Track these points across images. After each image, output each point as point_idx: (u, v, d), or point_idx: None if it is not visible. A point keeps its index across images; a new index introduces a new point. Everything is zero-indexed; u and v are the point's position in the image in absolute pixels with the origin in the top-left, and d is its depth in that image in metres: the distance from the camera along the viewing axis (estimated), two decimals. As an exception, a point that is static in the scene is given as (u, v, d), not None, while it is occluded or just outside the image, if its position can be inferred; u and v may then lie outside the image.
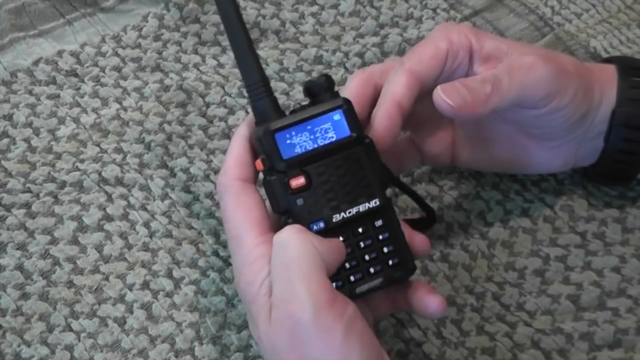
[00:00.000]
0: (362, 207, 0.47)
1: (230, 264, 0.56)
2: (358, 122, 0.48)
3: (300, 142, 0.47)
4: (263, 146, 0.47)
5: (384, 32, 0.69)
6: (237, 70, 0.64)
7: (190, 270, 0.56)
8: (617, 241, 0.58)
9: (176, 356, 0.53)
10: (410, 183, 0.61)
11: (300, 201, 0.46)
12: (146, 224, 0.58)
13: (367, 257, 0.48)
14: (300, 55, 0.67)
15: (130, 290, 0.55)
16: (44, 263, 0.56)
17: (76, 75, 0.65)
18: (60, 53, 0.66)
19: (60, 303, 0.54)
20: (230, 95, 0.64)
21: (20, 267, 0.56)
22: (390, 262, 0.48)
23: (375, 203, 0.47)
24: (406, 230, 0.49)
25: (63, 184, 0.59)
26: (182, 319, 0.54)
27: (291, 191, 0.46)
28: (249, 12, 0.69)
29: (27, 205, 0.58)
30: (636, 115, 0.55)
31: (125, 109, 0.63)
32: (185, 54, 0.66)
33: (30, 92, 0.64)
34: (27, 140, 0.61)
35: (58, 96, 0.64)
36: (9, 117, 0.62)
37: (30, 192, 0.59)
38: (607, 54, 0.67)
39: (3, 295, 0.55)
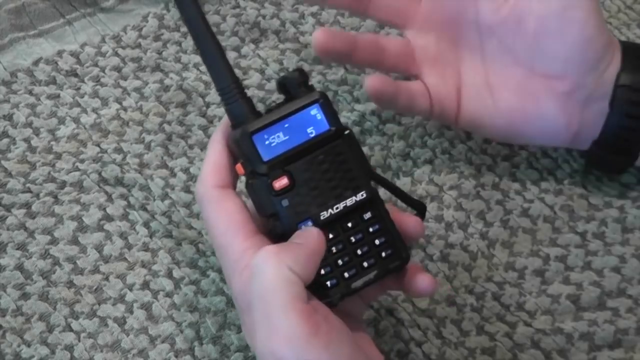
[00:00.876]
0: (349, 201, 0.47)
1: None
2: (335, 114, 0.47)
3: (279, 141, 0.46)
4: (242, 150, 0.46)
5: (384, 32, 0.69)
6: (237, 70, 0.64)
7: (190, 270, 0.56)
8: (617, 241, 0.58)
9: (176, 356, 0.53)
10: (410, 183, 0.61)
11: (285, 202, 0.46)
12: (146, 224, 0.58)
13: (359, 252, 0.47)
14: (300, 55, 0.67)
15: (130, 290, 0.55)
16: (44, 263, 0.56)
17: (76, 75, 0.65)
18: (60, 53, 0.66)
19: (60, 303, 0.54)
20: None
21: (20, 267, 0.56)
22: (384, 254, 0.47)
23: (362, 196, 0.47)
24: (396, 215, 0.49)
25: (63, 184, 0.59)
26: (182, 319, 0.54)
27: (275, 193, 0.45)
28: (249, 12, 0.69)
29: (27, 205, 0.58)
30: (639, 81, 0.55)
31: (125, 109, 0.63)
32: (185, 54, 0.66)
33: (30, 92, 0.64)
34: (27, 140, 0.61)
35: (58, 96, 0.64)
36: (9, 117, 0.62)
37: (30, 192, 0.59)
38: (607, 53, 0.67)
39: (3, 295, 0.55)
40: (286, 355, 0.40)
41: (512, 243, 0.58)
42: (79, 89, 0.64)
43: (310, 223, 0.46)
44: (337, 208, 0.46)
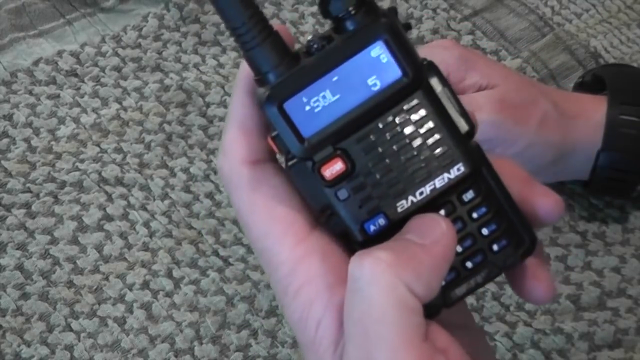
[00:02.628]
0: (438, 182, 0.32)
1: (230, 264, 0.56)
2: (411, 51, 0.32)
3: (326, 104, 0.31)
4: (271, 122, 0.32)
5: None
6: (237, 70, 0.64)
7: (190, 270, 0.56)
8: (617, 241, 0.58)
9: (176, 356, 0.53)
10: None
11: (343, 194, 0.32)
12: (146, 224, 0.58)
13: (459, 249, 0.33)
14: (300, 55, 0.67)
15: (130, 290, 0.55)
16: (44, 263, 0.56)
17: (76, 75, 0.65)
18: (60, 53, 0.66)
19: (60, 303, 0.54)
20: (230, 95, 0.64)
21: (20, 267, 0.56)
22: (496, 247, 0.33)
23: (459, 170, 0.32)
24: (517, 185, 0.34)
25: (63, 184, 0.59)
26: (181, 318, 0.54)
27: (326, 183, 0.32)
28: (249, 12, 0.69)
29: (27, 205, 0.58)
30: (620, 159, 0.55)
31: (125, 109, 0.63)
32: (185, 54, 0.66)
33: (30, 92, 0.64)
34: (27, 140, 0.61)
35: (58, 96, 0.64)
36: (9, 117, 0.62)
37: (30, 192, 0.59)
38: (607, 53, 0.67)
39: (3, 295, 0.55)
40: None
41: (512, 243, 0.58)
42: (79, 89, 0.64)
43: (382, 220, 0.32)
44: (422, 194, 0.32)
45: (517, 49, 0.68)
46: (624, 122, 0.55)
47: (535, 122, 0.53)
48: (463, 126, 0.32)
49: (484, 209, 0.33)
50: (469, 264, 0.33)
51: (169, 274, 0.56)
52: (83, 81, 0.65)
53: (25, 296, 0.55)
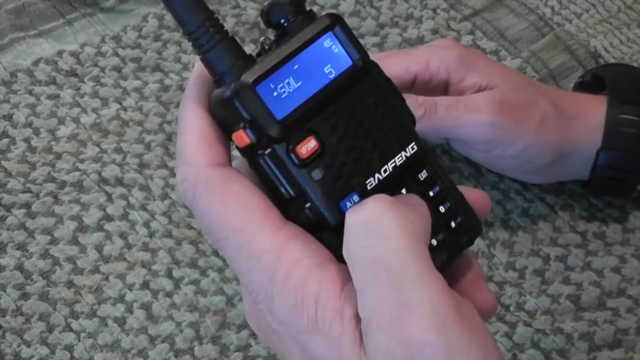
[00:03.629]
0: (398, 159, 0.35)
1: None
2: (357, 41, 0.35)
3: (291, 90, 0.33)
4: (241, 110, 0.33)
5: (384, 32, 0.69)
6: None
7: (190, 270, 0.56)
8: (617, 241, 0.58)
9: (176, 356, 0.53)
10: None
11: (317, 174, 0.33)
12: (146, 224, 0.58)
13: None
14: (300, 55, 0.67)
15: (130, 290, 0.55)
16: (44, 263, 0.56)
17: (76, 75, 0.65)
18: (60, 53, 0.66)
19: (60, 303, 0.54)
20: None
21: (20, 267, 0.56)
22: (453, 224, 0.36)
23: (413, 149, 0.35)
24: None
25: (63, 184, 0.59)
26: (181, 318, 0.54)
27: (301, 162, 0.33)
28: (249, 12, 0.69)
29: (27, 205, 0.58)
30: (620, 158, 0.55)
31: (125, 109, 0.63)
32: (185, 54, 0.66)
33: (30, 92, 0.64)
34: (27, 140, 0.61)
35: (58, 96, 0.64)
36: (9, 117, 0.62)
37: (30, 192, 0.59)
38: (607, 53, 0.67)
39: (3, 295, 0.55)
40: (431, 340, 0.29)
41: (513, 243, 0.58)
42: (79, 89, 0.64)
43: (356, 197, 0.34)
44: (385, 171, 0.34)
45: (517, 49, 0.68)
46: (624, 121, 0.55)
47: (535, 123, 0.53)
48: (407, 114, 0.36)
49: (438, 188, 0.36)
50: (433, 242, 0.35)
51: (169, 274, 0.56)
52: (83, 81, 0.65)
53: (25, 296, 0.55)
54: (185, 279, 0.56)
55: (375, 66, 0.35)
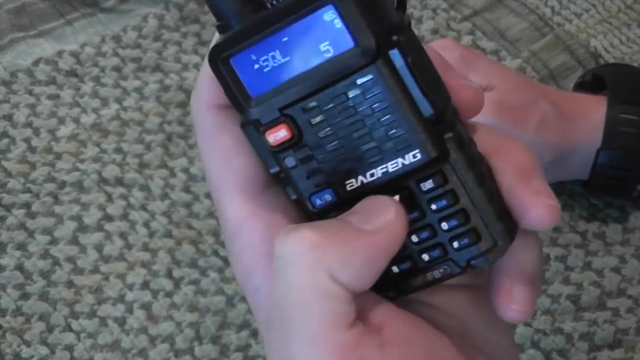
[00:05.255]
0: (392, 166, 0.29)
1: (230, 264, 0.56)
2: (371, 19, 0.28)
3: (276, 66, 0.29)
4: (218, 78, 0.30)
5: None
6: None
7: (190, 270, 0.56)
8: (617, 241, 0.58)
9: (176, 356, 0.53)
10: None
11: (290, 161, 0.30)
12: (146, 224, 0.58)
13: (415, 239, 0.30)
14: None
15: (130, 290, 0.55)
16: (44, 263, 0.56)
17: (76, 75, 0.65)
18: (60, 53, 0.66)
19: (60, 303, 0.54)
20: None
21: (20, 267, 0.56)
22: (456, 244, 0.30)
23: (415, 157, 0.29)
24: (511, 180, 0.30)
25: (63, 184, 0.59)
26: (181, 318, 0.54)
27: (272, 149, 0.29)
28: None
29: (27, 205, 0.58)
30: (620, 158, 0.55)
31: (125, 109, 0.63)
32: (185, 54, 0.66)
33: (30, 92, 0.64)
34: (27, 140, 0.61)
35: (58, 96, 0.64)
36: (9, 117, 0.62)
37: (30, 192, 0.59)
38: (607, 53, 0.67)
39: (3, 295, 0.55)
40: None
41: (512, 243, 0.58)
42: (79, 89, 0.64)
43: (329, 196, 0.30)
44: (372, 175, 0.29)
45: (517, 49, 0.68)
46: (623, 121, 0.55)
47: (534, 123, 0.53)
48: (426, 109, 0.28)
49: (444, 202, 0.30)
50: (425, 257, 0.30)
51: (169, 274, 0.56)
52: (83, 81, 0.65)
53: (25, 296, 0.55)
54: (185, 279, 0.56)
55: (399, 47, 0.28)
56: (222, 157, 0.31)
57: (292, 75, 0.28)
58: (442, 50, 0.56)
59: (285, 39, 0.28)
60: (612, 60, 0.67)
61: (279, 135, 0.29)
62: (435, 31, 0.69)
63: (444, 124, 0.29)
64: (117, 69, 0.65)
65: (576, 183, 0.60)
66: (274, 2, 0.29)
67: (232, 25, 0.29)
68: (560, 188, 0.60)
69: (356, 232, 0.28)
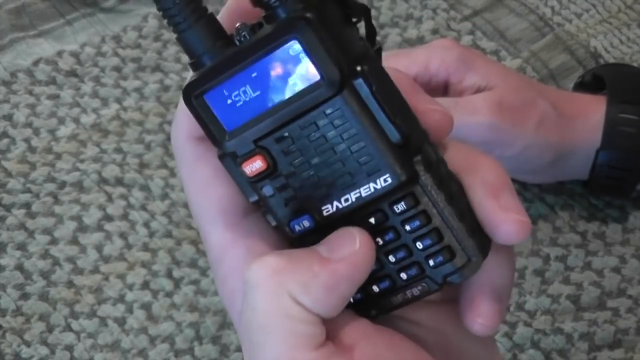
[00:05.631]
0: (364, 191, 0.30)
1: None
2: (334, 52, 0.29)
3: (247, 100, 0.30)
4: (194, 114, 0.31)
5: (384, 32, 0.69)
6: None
7: (190, 270, 0.56)
8: (617, 241, 0.58)
9: (176, 356, 0.53)
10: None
11: (268, 190, 0.31)
12: (146, 224, 0.58)
13: (392, 259, 0.32)
14: (300, 55, 0.67)
15: (130, 290, 0.55)
16: (44, 263, 0.56)
17: (76, 75, 0.65)
18: (60, 53, 0.66)
19: (60, 303, 0.54)
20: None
21: (20, 267, 0.56)
22: (432, 263, 0.31)
23: (386, 182, 0.30)
24: (482, 196, 0.31)
25: (63, 184, 0.59)
26: (181, 318, 0.54)
27: (249, 179, 0.31)
28: (249, 12, 0.69)
29: (27, 205, 0.58)
30: (619, 157, 0.55)
31: (125, 109, 0.63)
32: (185, 54, 0.66)
33: (30, 92, 0.64)
34: (27, 140, 0.61)
35: (58, 96, 0.64)
36: (9, 117, 0.62)
37: (30, 192, 0.59)
38: (607, 53, 0.67)
39: (3, 295, 0.55)
40: None
41: (512, 243, 0.58)
42: (79, 89, 0.64)
43: (306, 222, 0.31)
44: (346, 200, 0.31)
45: (517, 49, 0.68)
46: (623, 121, 0.55)
47: (533, 124, 0.53)
48: (394, 135, 0.30)
49: (417, 222, 0.31)
50: (403, 275, 0.32)
51: (169, 274, 0.56)
52: (83, 81, 0.65)
53: (25, 296, 0.55)
54: (185, 279, 0.56)
55: (362, 76, 0.29)
56: (202, 186, 0.32)
57: (264, 109, 0.30)
58: (442, 51, 0.56)
59: (255, 74, 0.29)
60: (612, 60, 0.67)
61: (254, 166, 0.30)
62: (435, 31, 0.69)
63: (412, 148, 0.30)
64: (117, 69, 0.65)
65: (576, 183, 0.60)
66: (242, 39, 0.30)
67: (204, 62, 0.30)
68: (560, 188, 0.60)
69: (319, 259, 0.29)
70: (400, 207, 0.31)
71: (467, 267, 0.31)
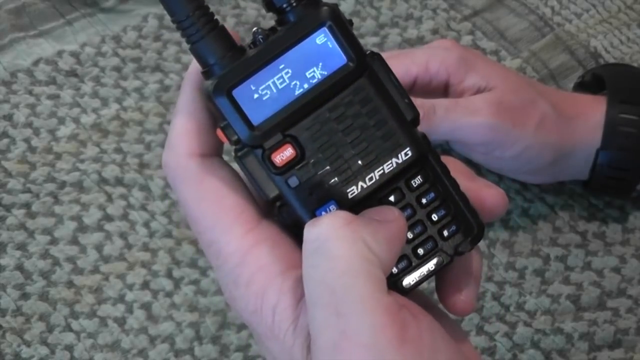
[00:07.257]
0: (387, 167, 0.33)
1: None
2: (353, 38, 0.33)
3: (274, 93, 0.32)
4: (220, 112, 0.32)
5: (384, 32, 0.69)
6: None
7: (190, 270, 0.56)
8: (617, 241, 0.58)
9: (176, 356, 0.53)
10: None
11: (293, 181, 0.32)
12: (146, 224, 0.58)
13: (410, 235, 0.34)
14: (300, 55, 0.67)
15: (130, 290, 0.55)
16: (44, 263, 0.56)
17: (76, 75, 0.65)
18: (60, 53, 0.66)
19: (60, 303, 0.54)
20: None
21: (20, 267, 0.56)
22: (446, 233, 0.34)
23: (407, 155, 0.33)
24: (462, 180, 0.35)
25: (63, 184, 0.59)
26: (181, 318, 0.54)
27: (276, 170, 0.32)
28: (249, 12, 0.69)
29: (27, 205, 0.58)
30: (619, 158, 0.55)
31: (125, 109, 0.63)
32: (185, 54, 0.66)
33: (30, 92, 0.64)
34: (27, 140, 0.61)
35: (58, 96, 0.64)
36: (9, 117, 0.62)
37: (30, 192, 0.59)
38: (607, 53, 0.67)
39: (3, 295, 0.55)
40: None
41: (512, 243, 0.58)
42: (79, 89, 0.64)
43: (333, 207, 0.33)
44: (371, 179, 0.33)
45: (517, 49, 0.68)
46: (623, 121, 0.55)
47: (534, 124, 0.53)
48: (409, 113, 0.33)
49: (432, 194, 0.34)
50: (420, 251, 0.34)
51: (169, 274, 0.56)
52: (83, 81, 0.65)
53: (25, 296, 0.55)
54: (185, 279, 0.56)
55: (376, 62, 0.33)
56: (214, 197, 0.33)
57: (291, 99, 0.32)
58: (442, 51, 0.56)
59: (282, 66, 0.31)
60: (612, 60, 0.67)
61: (284, 154, 0.32)
62: (435, 31, 0.69)
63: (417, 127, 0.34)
64: (117, 69, 0.65)
65: (576, 183, 0.60)
66: (258, 42, 0.32)
67: (215, 72, 0.32)
68: (560, 188, 0.60)
69: (376, 220, 0.32)
70: (417, 181, 0.34)
71: (474, 235, 0.34)
